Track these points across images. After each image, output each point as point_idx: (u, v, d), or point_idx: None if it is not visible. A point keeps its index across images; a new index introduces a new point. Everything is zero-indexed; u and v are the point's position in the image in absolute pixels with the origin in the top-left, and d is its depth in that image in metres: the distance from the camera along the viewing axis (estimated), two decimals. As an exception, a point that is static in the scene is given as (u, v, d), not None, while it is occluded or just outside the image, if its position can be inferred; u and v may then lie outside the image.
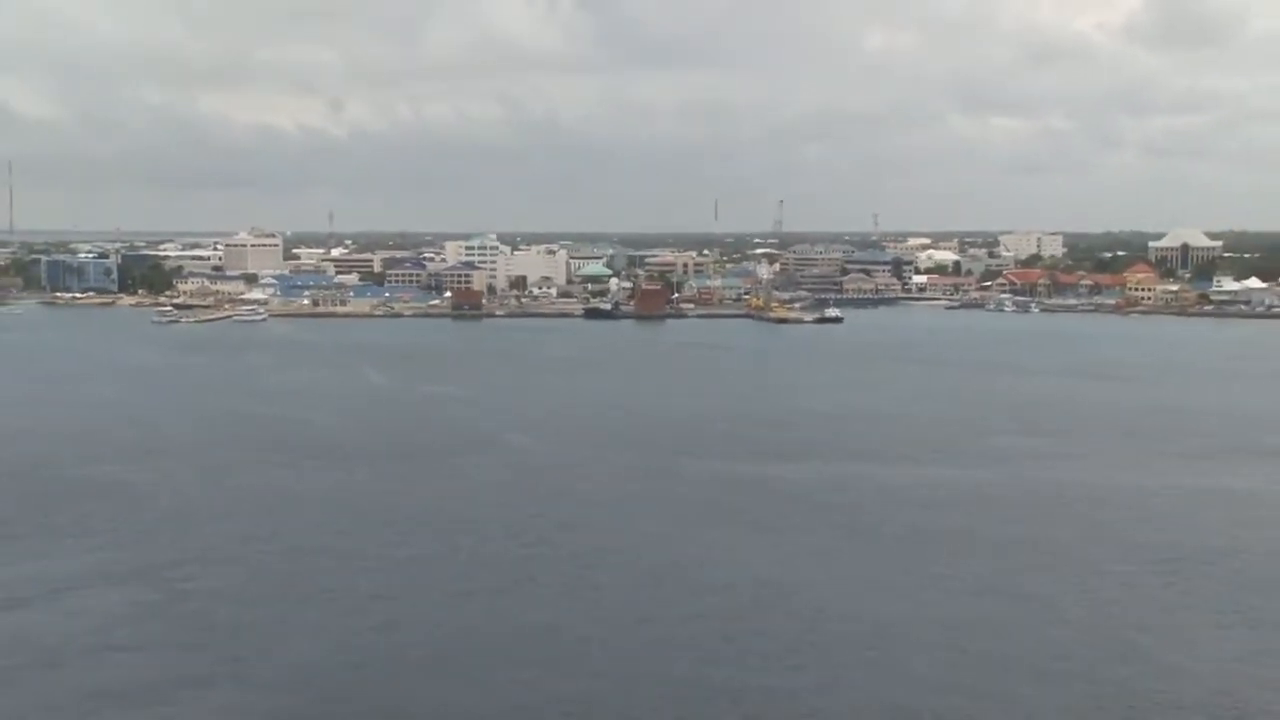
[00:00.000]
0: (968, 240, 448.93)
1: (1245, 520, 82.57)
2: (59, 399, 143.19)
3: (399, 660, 56.16)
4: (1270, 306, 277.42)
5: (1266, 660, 56.00)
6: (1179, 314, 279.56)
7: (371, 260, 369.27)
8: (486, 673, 54.48)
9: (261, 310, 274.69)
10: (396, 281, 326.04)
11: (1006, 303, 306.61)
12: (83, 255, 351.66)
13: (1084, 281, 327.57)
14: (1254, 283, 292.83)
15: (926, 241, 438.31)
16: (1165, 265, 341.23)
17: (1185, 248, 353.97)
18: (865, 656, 56.85)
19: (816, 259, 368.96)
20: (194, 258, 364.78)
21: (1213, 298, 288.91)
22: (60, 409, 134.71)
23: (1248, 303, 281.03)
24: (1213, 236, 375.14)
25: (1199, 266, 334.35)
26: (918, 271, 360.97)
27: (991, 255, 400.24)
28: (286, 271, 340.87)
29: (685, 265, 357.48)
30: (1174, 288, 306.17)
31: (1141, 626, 60.63)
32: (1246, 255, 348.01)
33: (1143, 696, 51.75)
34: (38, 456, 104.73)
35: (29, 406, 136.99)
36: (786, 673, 54.61)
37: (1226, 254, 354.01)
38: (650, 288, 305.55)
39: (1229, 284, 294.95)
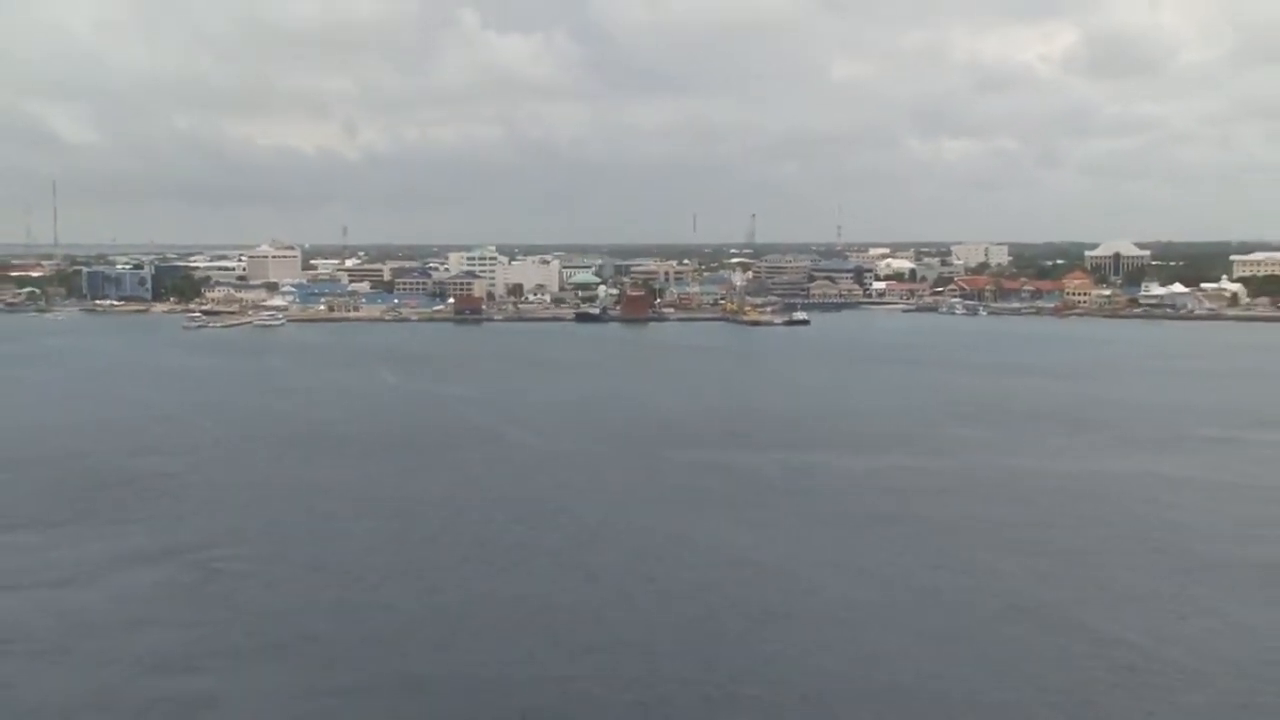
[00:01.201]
0: (923, 250, 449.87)
1: (1175, 502, 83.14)
2: (98, 396, 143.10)
3: (410, 633, 56.36)
4: (1192, 310, 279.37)
5: (1186, 625, 56.40)
6: (1111, 316, 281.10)
7: (382, 270, 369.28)
8: (489, 643, 54.60)
9: (280, 316, 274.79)
10: (404, 289, 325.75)
11: (957, 306, 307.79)
12: (120, 266, 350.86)
13: (1026, 287, 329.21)
14: (1178, 288, 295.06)
15: (886, 251, 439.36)
16: (1099, 272, 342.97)
17: (1117, 257, 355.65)
18: (831, 626, 57.18)
19: (786, 267, 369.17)
20: (220, 268, 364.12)
21: (1141, 302, 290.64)
22: (99, 406, 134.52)
23: (1173, 306, 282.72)
24: (1142, 247, 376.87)
25: (1129, 274, 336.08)
26: (877, 278, 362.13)
27: (944, 263, 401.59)
28: (304, 280, 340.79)
29: (666, 273, 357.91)
30: (1107, 293, 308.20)
31: (1078, 597, 60.98)
32: (1172, 263, 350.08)
33: (1077, 658, 52.12)
34: (79, 449, 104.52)
35: (71, 403, 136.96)
36: (760, 642, 54.78)
37: (1154, 262, 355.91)
38: (635, 294, 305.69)
39: (1156, 289, 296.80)
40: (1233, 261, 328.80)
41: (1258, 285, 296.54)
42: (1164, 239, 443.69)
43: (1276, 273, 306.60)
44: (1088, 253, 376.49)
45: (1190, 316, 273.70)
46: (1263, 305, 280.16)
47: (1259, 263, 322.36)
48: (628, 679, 50.57)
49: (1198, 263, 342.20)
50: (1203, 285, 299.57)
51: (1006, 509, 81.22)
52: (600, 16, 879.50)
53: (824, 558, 69.38)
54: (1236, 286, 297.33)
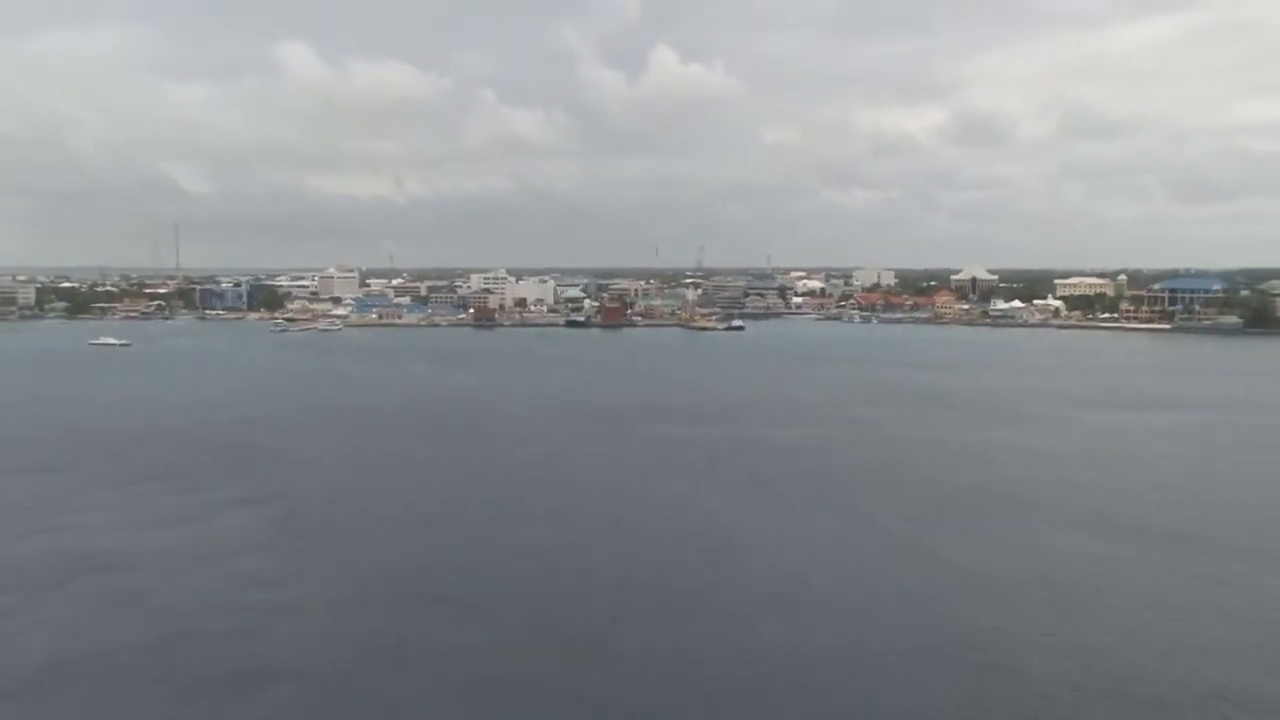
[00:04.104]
0: (831, 273, 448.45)
1: (1013, 462, 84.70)
2: (209, 382, 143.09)
3: (439, 562, 57.28)
4: (1026, 320, 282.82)
5: (1010, 553, 57.80)
6: (969, 324, 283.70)
7: (419, 287, 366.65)
8: (498, 571, 55.55)
9: (338, 323, 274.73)
10: (436, 302, 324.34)
11: (855, 316, 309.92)
12: (224, 285, 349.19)
13: (908, 302, 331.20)
14: (1017, 304, 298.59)
15: (803, 274, 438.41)
16: (961, 291, 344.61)
17: (974, 280, 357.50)
18: (758, 558, 58.30)
19: (727, 286, 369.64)
20: (298, 286, 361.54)
21: (990, 314, 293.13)
22: (208, 388, 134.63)
23: (1012, 317, 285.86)
24: (992, 272, 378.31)
25: (982, 292, 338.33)
26: (796, 295, 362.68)
27: (846, 283, 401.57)
28: (361, 295, 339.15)
29: (636, 290, 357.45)
30: (966, 307, 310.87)
31: (935, 532, 62.33)
32: (1014, 285, 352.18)
33: (926, 577, 53.56)
34: (194, 422, 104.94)
35: (187, 387, 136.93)
36: (703, 569, 55.87)
37: (1001, 284, 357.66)
38: (612, 306, 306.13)
39: (1001, 305, 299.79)
40: (1056, 284, 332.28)
41: (1073, 302, 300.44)
42: (1008, 267, 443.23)
43: (1087, 293, 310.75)
44: (953, 276, 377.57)
45: (1025, 325, 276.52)
46: (1076, 317, 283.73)
47: (1074, 285, 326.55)
48: (603, 595, 51.72)
49: (1032, 285, 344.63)
50: (1034, 301, 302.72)
51: (889, 468, 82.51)
52: (589, 95, 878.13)
53: (753, 506, 70.45)
54: (1058, 303, 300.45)
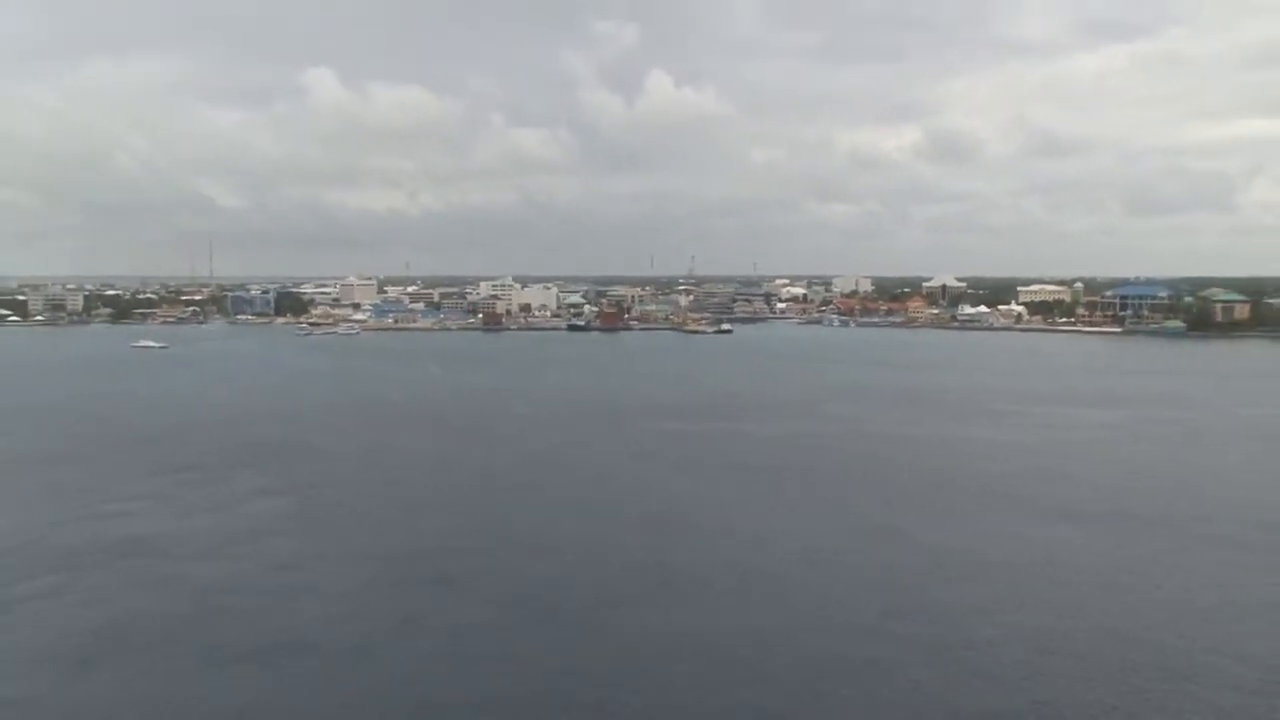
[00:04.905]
0: (813, 280, 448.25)
1: (980, 455, 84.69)
2: (239, 381, 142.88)
3: (448, 547, 57.22)
4: (992, 324, 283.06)
5: (977, 536, 57.94)
6: (940, 328, 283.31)
7: (432, 294, 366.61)
8: (502, 555, 55.58)
9: (356, 327, 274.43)
10: (448, 307, 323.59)
11: (834, 320, 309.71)
12: (253, 292, 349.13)
13: (883, 307, 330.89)
14: (983, 309, 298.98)
15: (787, 281, 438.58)
16: (932, 297, 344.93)
17: (944, 287, 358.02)
18: (737, 542, 58.32)
19: (716, 292, 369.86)
20: (321, 293, 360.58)
21: (959, 318, 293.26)
22: (238, 388, 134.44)
23: (979, 321, 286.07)
24: (961, 280, 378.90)
25: (952, 298, 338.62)
26: (780, 300, 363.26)
27: (827, 290, 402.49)
28: (379, 301, 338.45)
29: (633, 296, 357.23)
30: (936, 311, 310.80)
31: (906, 517, 62.39)
32: (981, 291, 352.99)
33: (898, 557, 53.71)
34: (224, 418, 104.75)
35: (218, 386, 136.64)
36: (687, 550, 56.06)
37: (969, 291, 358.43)
38: (610, 311, 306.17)
39: (968, 309, 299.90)
40: (1019, 291, 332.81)
41: (1034, 307, 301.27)
42: (976, 274, 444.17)
43: (1047, 299, 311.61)
44: (925, 284, 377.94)
45: (990, 328, 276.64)
46: (1037, 321, 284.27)
47: (1035, 292, 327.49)
48: (602, 567, 51.84)
49: (996, 291, 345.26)
50: (999, 307, 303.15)
51: (863, 460, 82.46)
52: (589, 116, 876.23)
53: (734, 495, 70.52)
54: (1021, 308, 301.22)
